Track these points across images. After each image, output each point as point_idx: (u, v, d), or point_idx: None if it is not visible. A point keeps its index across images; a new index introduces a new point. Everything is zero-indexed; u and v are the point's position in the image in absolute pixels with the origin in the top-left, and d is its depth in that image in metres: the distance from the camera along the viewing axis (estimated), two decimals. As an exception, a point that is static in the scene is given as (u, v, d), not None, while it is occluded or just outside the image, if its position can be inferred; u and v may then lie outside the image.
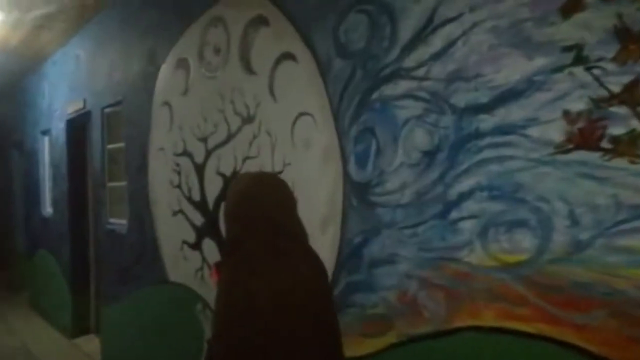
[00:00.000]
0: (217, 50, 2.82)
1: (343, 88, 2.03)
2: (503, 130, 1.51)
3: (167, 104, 3.33)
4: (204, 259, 2.99)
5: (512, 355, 1.49)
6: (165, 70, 3.34)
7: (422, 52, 1.72)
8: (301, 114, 2.24)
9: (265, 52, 2.45)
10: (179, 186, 3.22)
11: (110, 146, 4.40)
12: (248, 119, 2.58)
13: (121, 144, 4.27)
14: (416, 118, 1.75)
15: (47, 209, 6.34)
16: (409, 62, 1.77)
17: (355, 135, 1.98)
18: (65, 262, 5.51)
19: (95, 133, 4.53)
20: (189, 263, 3.14)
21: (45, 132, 6.27)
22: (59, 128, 5.58)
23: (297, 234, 1.46)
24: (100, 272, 5.20)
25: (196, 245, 3.06)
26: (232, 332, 1.28)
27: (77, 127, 5.32)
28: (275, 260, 1.35)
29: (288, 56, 2.32)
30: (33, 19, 4.46)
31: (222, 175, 2.78)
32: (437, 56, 1.68)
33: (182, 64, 3.15)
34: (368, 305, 1.94)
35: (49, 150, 6.17)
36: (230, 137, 2.72)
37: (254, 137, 2.53)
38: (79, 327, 5.33)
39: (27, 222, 7.23)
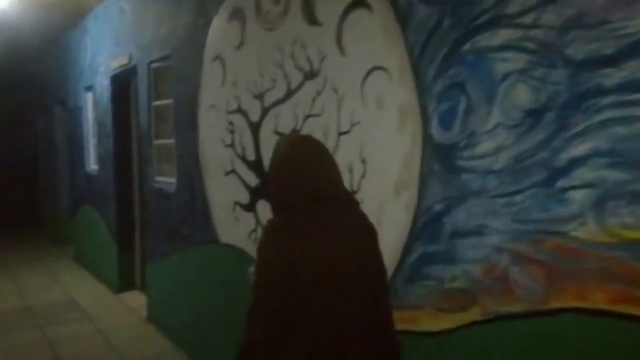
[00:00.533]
0: (276, 0, 2.62)
1: (426, 39, 1.82)
2: (633, 86, 1.29)
3: (219, 58, 3.17)
4: (258, 221, 2.89)
5: (627, 343, 1.32)
6: (217, 22, 3.17)
7: (531, -5, 1.50)
8: (374, 69, 2.05)
9: (332, 0, 2.25)
10: (231, 145, 3.10)
11: (157, 102, 4.30)
12: (311, 74, 2.40)
13: (169, 101, 4.17)
14: (519, 72, 1.54)
15: (92, 166, 6.38)
16: (513, 7, 1.54)
17: (440, 91, 1.78)
18: (110, 219, 5.56)
19: (142, 89, 4.43)
20: (241, 225, 3.05)
21: (88, 89, 6.24)
22: (103, 84, 5.52)
23: (341, 198, 1.44)
24: (145, 229, 5.22)
25: (250, 207, 2.96)
26: (273, 303, 1.28)
27: (122, 83, 5.24)
28: (321, 227, 1.35)
29: (360, 4, 2.11)
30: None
31: (281, 134, 2.64)
32: (550, 0, 1.45)
33: (236, 14, 2.97)
34: (447, 278, 1.79)
35: (93, 106, 6.15)
36: (289, 94, 2.55)
37: (317, 93, 2.36)
38: (124, 283, 5.42)
39: (71, 179, 7.33)
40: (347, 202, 1.46)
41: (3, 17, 5.68)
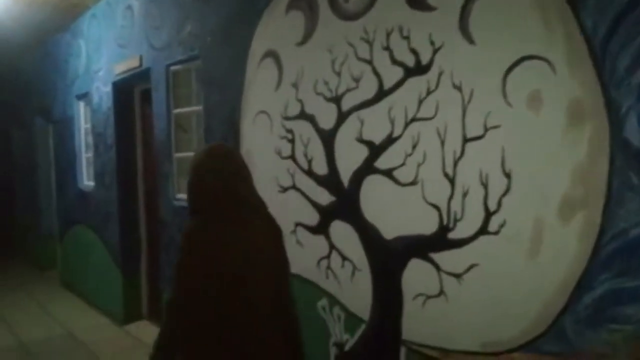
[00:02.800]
0: (359, -17, 2.21)
1: (615, 20, 1.44)
2: None
3: (272, 55, 2.72)
4: (332, 246, 2.44)
5: None
6: (270, 15, 2.73)
7: None
8: (524, 59, 1.65)
9: (449, -21, 1.85)
10: (291, 157, 2.65)
11: (177, 110, 3.80)
12: (417, 69, 1.99)
13: (191, 108, 3.68)
14: None
15: (86, 182, 5.77)
16: None
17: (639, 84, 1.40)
18: (112, 241, 4.98)
19: (158, 95, 3.92)
20: (306, 250, 2.60)
21: (81, 97, 5.65)
22: (102, 91, 4.96)
23: (251, 201, 1.69)
24: (157, 252, 4.67)
25: (319, 229, 2.51)
26: (186, 292, 1.57)
27: (127, 89, 4.71)
28: (227, 230, 1.58)
29: (496, -19, 1.72)
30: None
31: (367, 143, 2.21)
32: None
33: (297, 4, 2.54)
34: (652, 322, 1.40)
35: (88, 116, 5.56)
36: (382, 94, 2.13)
37: (428, 92, 1.95)
38: (130, 313, 4.83)
39: (58, 197, 6.66)
40: (255, 205, 1.72)
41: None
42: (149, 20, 3.98)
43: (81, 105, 5.79)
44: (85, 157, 5.82)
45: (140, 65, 4.13)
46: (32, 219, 7.65)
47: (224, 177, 1.63)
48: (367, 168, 2.22)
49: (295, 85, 2.59)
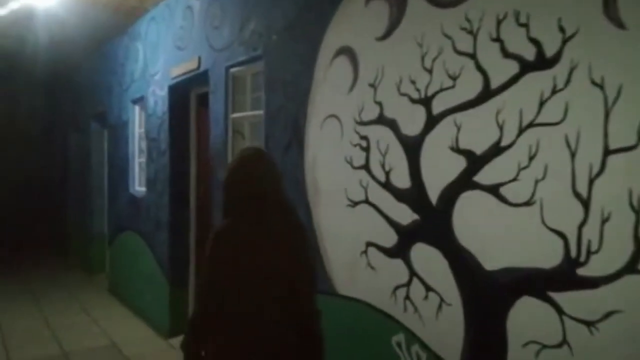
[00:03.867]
0: (461, -36, 1.86)
1: None
2: None
3: (347, 53, 2.41)
4: (413, 273, 2.07)
5: None
6: (347, 6, 2.42)
7: None
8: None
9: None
10: (365, 167, 2.31)
11: (235, 115, 3.56)
12: (538, 63, 1.61)
13: (250, 112, 3.43)
14: None
15: (137, 188, 5.65)
16: None
17: None
18: (160, 250, 4.78)
19: (217, 99, 3.69)
20: (379, 275, 2.24)
21: (136, 101, 5.55)
22: (157, 95, 4.82)
23: (280, 203, 1.80)
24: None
25: (397, 252, 2.15)
26: (215, 284, 1.70)
27: (183, 93, 4.53)
28: (260, 230, 1.71)
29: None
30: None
31: (465, 152, 1.84)
32: None
33: (381, -7, 2.22)
34: None
35: (142, 121, 5.45)
36: (488, 94, 1.76)
37: (553, 90, 1.57)
38: (176, 326, 4.59)
39: (109, 202, 6.60)
40: (284, 207, 1.81)
41: (45, 16, 5.04)
42: (209, 20, 3.77)
43: (136, 109, 5.70)
44: (138, 162, 5.71)
45: (199, 67, 3.93)
46: (84, 221, 7.66)
47: (254, 179, 1.75)
48: (463, 182, 1.85)
49: (373, 86, 2.26)
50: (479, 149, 1.79)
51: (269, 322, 1.67)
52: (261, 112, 3.19)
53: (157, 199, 4.85)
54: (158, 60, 4.76)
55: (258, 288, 1.67)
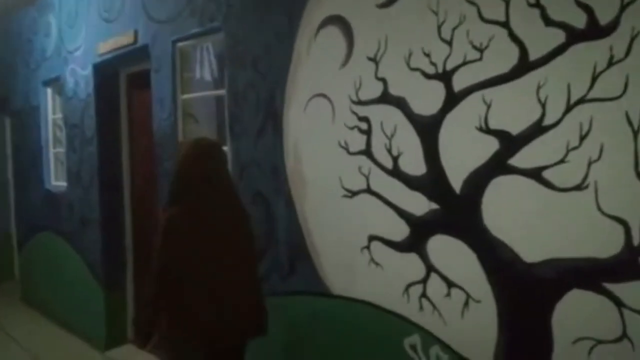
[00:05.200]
0: None
1: None
2: None
3: (337, 23, 2.13)
4: (430, 268, 1.88)
5: None
6: (337, -31, 2.13)
7: None
8: None
9: None
10: (365, 152, 2.06)
11: (186, 96, 3.12)
12: (590, 32, 1.45)
13: (204, 93, 3.03)
14: None
15: (54, 182, 4.94)
16: None
17: None
18: (90, 251, 4.21)
19: (161, 78, 3.22)
20: (387, 273, 2.02)
21: (49, 83, 4.82)
22: (78, 75, 4.18)
23: (228, 187, 2.09)
24: (142, 265, 3.97)
25: (410, 246, 1.93)
26: (172, 260, 1.90)
27: (112, 72, 3.96)
28: (208, 212, 1.95)
29: None
30: None
31: (498, 133, 1.65)
32: None
33: (381, -46, 1.95)
34: None
35: (59, 106, 4.74)
36: (526, 68, 1.58)
37: (610, 62, 1.41)
38: (114, 336, 4.09)
39: (17, 199, 5.75)
40: (232, 190, 2.12)
41: None
42: (147, -13, 3.27)
43: (48, 92, 4.96)
44: (53, 153, 4.99)
45: (135, 42, 3.42)
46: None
47: (208, 164, 1.99)
48: (496, 166, 1.66)
49: (374, 60, 2.00)
50: (515, 128, 1.61)
51: (224, 295, 1.95)
52: (221, 91, 2.81)
53: (83, 194, 4.25)
54: (79, 34, 4.12)
55: (213, 268, 1.93)
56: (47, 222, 4.94)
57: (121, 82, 4.06)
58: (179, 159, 2.01)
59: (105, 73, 3.98)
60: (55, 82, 4.66)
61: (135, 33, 3.40)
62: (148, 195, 3.85)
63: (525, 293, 1.63)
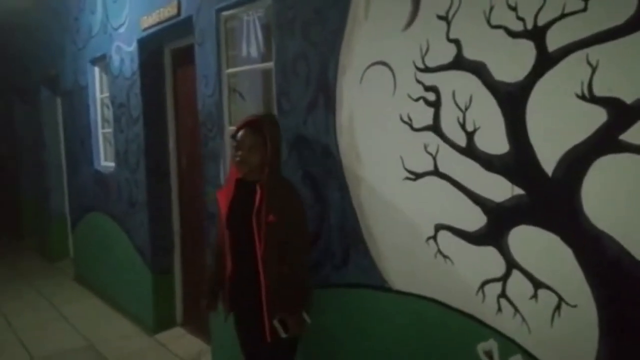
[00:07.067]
0: None
1: None
2: None
3: (402, -23, 1.83)
4: (511, 265, 1.59)
5: None
6: None
7: None
8: None
9: None
10: (433, 127, 1.78)
11: (231, 70, 2.92)
12: None
13: (252, 66, 2.81)
14: None
15: (103, 163, 4.93)
16: None
17: None
18: (138, 233, 4.15)
19: (204, 51, 3.03)
20: (457, 267, 1.75)
21: (96, 61, 4.76)
22: (123, 52, 4.07)
23: None
24: (190, 248, 3.87)
25: (486, 238, 1.65)
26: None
27: (157, 47, 3.82)
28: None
29: None
30: None
31: (606, 101, 1.33)
32: None
33: None
34: None
35: (106, 84, 4.68)
36: (648, 17, 1.25)
37: None
38: (162, 319, 4.03)
39: (70, 180, 5.82)
40: None
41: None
42: (190, -46, 3.07)
43: (96, 71, 4.91)
44: (102, 133, 4.96)
45: (178, 13, 3.24)
46: (40, 201, 6.81)
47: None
48: (602, 143, 1.34)
49: (445, 19, 1.70)
50: (629, 96, 1.29)
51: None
52: (268, 64, 2.58)
53: (130, 175, 4.18)
54: (123, 9, 3.99)
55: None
56: (97, 203, 4.95)
57: (166, 58, 3.92)
58: (277, 135, 2.10)
59: (150, 49, 3.85)
60: (102, 61, 4.59)
61: (179, 4, 3.22)
62: (193, 179, 3.72)
63: (636, 297, 1.32)
